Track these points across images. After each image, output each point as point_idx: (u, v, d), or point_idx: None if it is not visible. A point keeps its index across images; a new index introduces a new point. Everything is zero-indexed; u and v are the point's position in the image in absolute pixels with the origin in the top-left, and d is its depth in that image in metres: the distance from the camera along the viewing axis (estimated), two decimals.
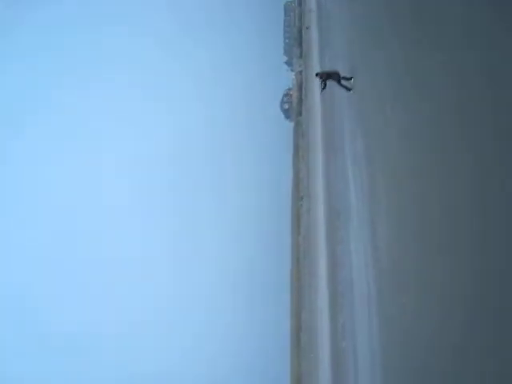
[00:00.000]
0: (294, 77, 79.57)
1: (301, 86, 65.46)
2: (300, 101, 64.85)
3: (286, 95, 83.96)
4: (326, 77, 19.78)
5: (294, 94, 74.24)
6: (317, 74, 20.80)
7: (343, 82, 19.25)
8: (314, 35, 40.21)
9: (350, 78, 19.10)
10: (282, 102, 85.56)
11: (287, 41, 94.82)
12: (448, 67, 7.89)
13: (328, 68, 24.93)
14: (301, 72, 68.68)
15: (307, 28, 45.61)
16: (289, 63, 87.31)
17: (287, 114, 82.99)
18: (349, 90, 19.29)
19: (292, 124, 74.11)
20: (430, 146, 8.68)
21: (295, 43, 77.81)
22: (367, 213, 16.18)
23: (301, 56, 71.10)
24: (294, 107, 73.54)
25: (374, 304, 14.57)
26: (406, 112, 11.14)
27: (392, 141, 13.22)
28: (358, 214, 17.37)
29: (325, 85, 20.13)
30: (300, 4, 70.76)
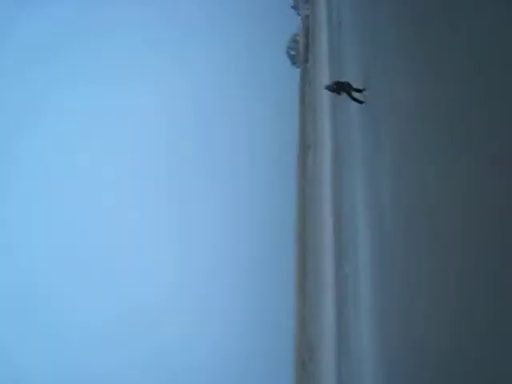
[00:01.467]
0: (300, 21, 77.49)
1: (307, 32, 63.87)
2: (307, 46, 63.47)
3: (292, 41, 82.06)
4: (335, 88, 18.20)
5: (301, 39, 72.50)
6: (327, 87, 19.08)
7: (354, 94, 17.70)
8: None
9: (362, 90, 17.56)
10: (289, 48, 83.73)
11: None
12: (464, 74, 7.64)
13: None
14: (307, 16, 66.84)
15: None
16: (295, 7, 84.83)
17: (293, 60, 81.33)
18: (361, 102, 17.73)
19: (298, 70, 72.77)
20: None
21: None
22: (373, 163, 16.16)
23: (307, 0, 68.98)
24: (300, 53, 72.01)
25: (378, 245, 14.75)
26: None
27: (399, 95, 13.03)
28: (364, 164, 17.37)
29: (339, 93, 18.41)
30: None
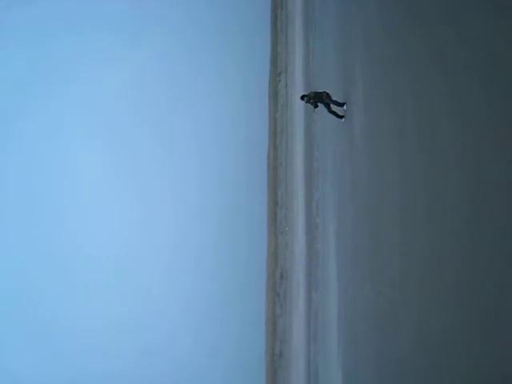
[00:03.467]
0: None
1: None
2: None
3: None
4: (313, 97, 15.84)
5: None
6: (302, 97, 16.51)
7: (333, 107, 15.66)
8: None
9: (343, 104, 15.51)
10: None
11: None
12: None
13: None
14: None
15: None
16: None
17: None
18: (340, 117, 15.70)
19: None
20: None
21: None
22: (344, 91, 15.57)
23: None
24: None
25: (348, 182, 14.52)
26: None
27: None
28: (336, 92, 16.69)
29: (316, 106, 16.06)
30: None
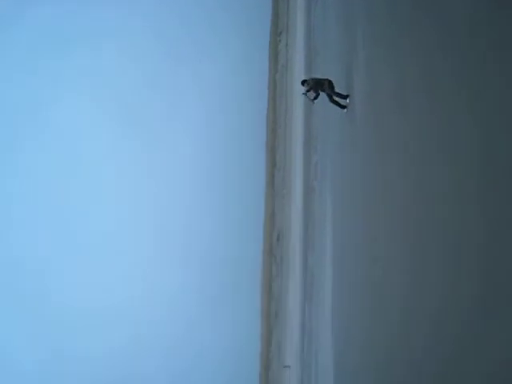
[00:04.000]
0: None
1: None
2: None
3: None
4: (314, 86, 14.52)
5: None
6: (303, 83, 15.15)
7: (336, 98, 14.41)
8: None
9: (346, 97, 14.30)
10: None
11: None
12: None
13: None
14: None
15: None
16: None
17: None
18: (343, 107, 14.46)
19: None
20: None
21: None
22: (347, 53, 15.23)
23: None
24: None
25: (348, 144, 14.42)
26: None
27: None
28: (339, 56, 16.38)
29: (317, 95, 14.73)
30: None
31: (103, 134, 39.65)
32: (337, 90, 14.19)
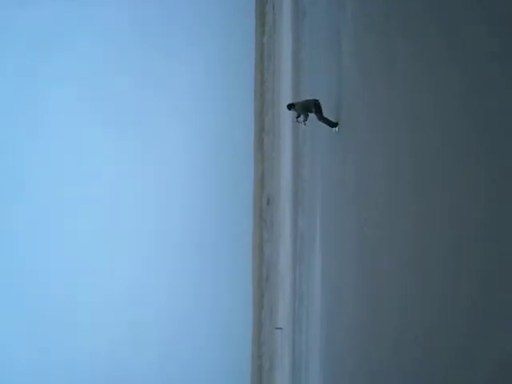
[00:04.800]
0: None
1: None
2: None
3: None
4: (301, 109, 12.00)
5: None
6: (289, 107, 12.62)
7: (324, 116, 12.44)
8: None
9: (335, 124, 11.69)
10: None
11: None
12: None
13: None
14: None
15: None
16: None
17: None
18: (334, 125, 11.68)
19: None
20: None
21: None
22: (335, 18, 14.85)
23: None
24: None
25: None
26: None
27: None
28: (327, 19, 16.01)
29: (306, 117, 12.46)
30: None
31: (97, 131, 39.10)
32: (325, 114, 13.28)
